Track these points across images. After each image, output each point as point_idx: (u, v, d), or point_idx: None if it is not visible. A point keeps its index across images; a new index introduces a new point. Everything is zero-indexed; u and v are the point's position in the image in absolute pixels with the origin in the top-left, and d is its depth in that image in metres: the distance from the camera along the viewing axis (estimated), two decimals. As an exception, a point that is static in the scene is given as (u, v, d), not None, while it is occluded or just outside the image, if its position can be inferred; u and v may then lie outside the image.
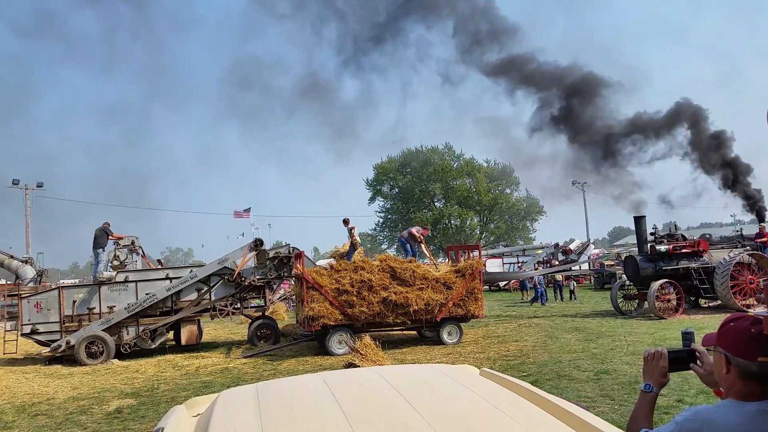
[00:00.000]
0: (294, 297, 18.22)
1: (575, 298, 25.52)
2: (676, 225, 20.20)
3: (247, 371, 11.81)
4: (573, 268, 25.76)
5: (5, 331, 15.20)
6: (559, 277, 26.05)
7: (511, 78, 25.32)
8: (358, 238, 16.07)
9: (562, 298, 25.71)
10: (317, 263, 16.85)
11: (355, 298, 13.28)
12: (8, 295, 16.01)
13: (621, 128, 23.96)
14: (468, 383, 1.92)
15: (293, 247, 15.65)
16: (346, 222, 16.33)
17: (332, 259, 16.80)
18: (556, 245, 34.62)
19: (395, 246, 54.26)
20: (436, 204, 59.27)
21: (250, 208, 50.35)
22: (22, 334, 14.47)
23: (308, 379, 2.11)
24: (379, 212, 62.07)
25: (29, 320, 14.37)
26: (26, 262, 17.26)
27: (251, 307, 16.34)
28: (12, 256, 17.41)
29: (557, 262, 29.19)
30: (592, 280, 33.64)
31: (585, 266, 32.90)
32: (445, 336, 13.90)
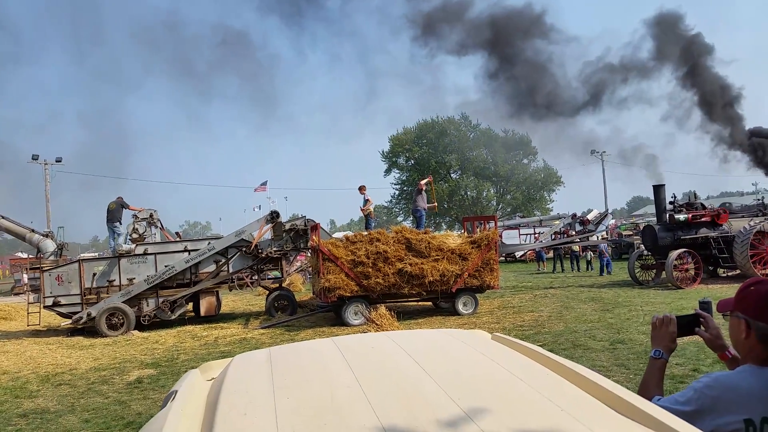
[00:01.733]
0: (310, 269, 18.34)
1: (592, 269, 25.41)
2: (695, 194, 19.90)
3: (264, 341, 11.97)
4: (591, 239, 25.51)
5: (28, 303, 15.53)
6: (576, 247, 25.91)
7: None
8: (371, 207, 16.17)
9: (579, 269, 25.61)
10: (333, 235, 16.92)
11: (370, 270, 13.34)
12: (30, 269, 16.28)
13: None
14: (480, 347, 1.90)
15: (309, 219, 15.71)
16: (361, 189, 16.38)
17: (349, 231, 16.92)
18: (574, 216, 34.32)
19: (410, 219, 54.31)
20: (452, 175, 58.90)
21: (266, 182, 50.30)
22: (45, 307, 14.79)
23: (320, 344, 2.11)
24: (395, 184, 61.91)
25: (51, 293, 14.66)
26: (47, 235, 17.48)
27: (268, 279, 16.51)
28: (33, 230, 17.65)
29: (574, 233, 28.97)
30: (610, 251, 33.45)
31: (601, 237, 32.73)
32: (460, 307, 13.93)
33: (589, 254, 27.03)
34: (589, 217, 34.37)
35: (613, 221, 42.56)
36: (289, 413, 1.41)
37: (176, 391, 1.81)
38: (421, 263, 13.44)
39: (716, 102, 21.53)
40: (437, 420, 1.31)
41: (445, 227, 57.88)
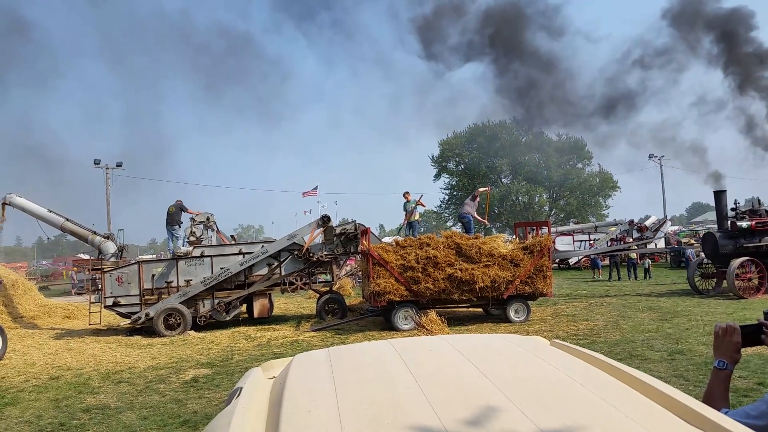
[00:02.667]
0: (360, 273, 18.46)
1: (650, 277, 24.60)
2: (759, 200, 19.01)
3: (315, 344, 12.10)
4: (648, 246, 24.72)
5: (90, 303, 16.19)
6: (633, 255, 25.14)
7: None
8: (417, 215, 16.18)
9: (636, 277, 24.85)
10: (383, 240, 16.98)
11: (420, 275, 13.31)
12: (92, 269, 16.98)
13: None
14: (539, 352, 1.87)
15: (359, 224, 15.82)
16: (405, 195, 16.41)
17: (398, 236, 16.94)
18: (631, 222, 33.34)
19: (459, 225, 53.87)
20: (503, 180, 58.22)
21: (317, 186, 51.03)
22: (105, 306, 15.38)
23: (377, 345, 2.12)
24: (445, 189, 61.59)
25: (111, 293, 15.24)
26: (108, 237, 18.21)
27: (319, 282, 16.70)
28: (95, 232, 18.42)
29: (631, 240, 28.13)
30: (668, 258, 32.29)
31: (661, 244, 31.62)
32: (512, 314, 13.73)
33: (647, 262, 26.17)
34: (647, 223, 33.34)
35: (672, 228, 41.11)
36: (352, 411, 1.43)
37: (241, 388, 1.85)
38: (472, 269, 13.32)
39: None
40: (499, 422, 1.30)
41: (495, 233, 57.31)
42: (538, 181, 56.39)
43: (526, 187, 55.57)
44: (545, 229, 15.88)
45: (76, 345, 13.59)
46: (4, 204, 18.85)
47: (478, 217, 16.70)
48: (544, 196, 58.08)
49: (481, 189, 16.98)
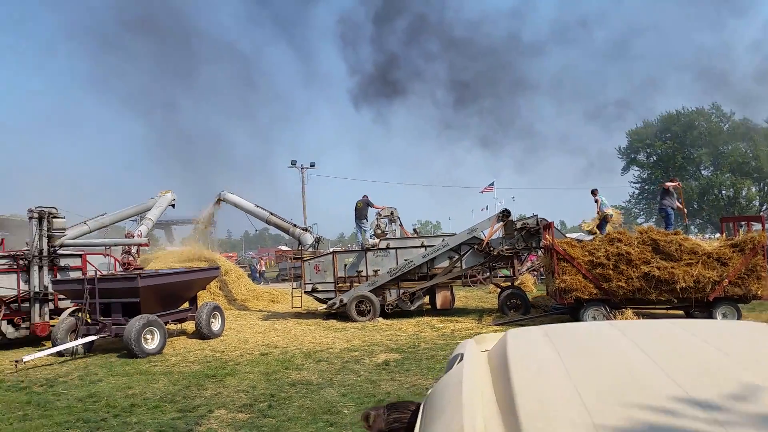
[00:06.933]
0: (542, 269, 17.96)
1: None
2: None
3: (499, 338, 12.06)
4: None
5: (292, 288, 17.82)
6: None
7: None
8: (608, 210, 15.24)
9: None
10: (566, 236, 16.34)
11: (611, 272, 12.60)
12: (294, 258, 18.65)
13: None
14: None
15: (541, 218, 15.40)
16: (594, 193, 15.55)
17: (586, 233, 16.18)
18: None
19: (653, 219, 49.73)
20: (702, 172, 52.63)
21: (493, 182, 50.51)
22: (305, 292, 16.82)
23: (598, 324, 2.09)
24: (635, 183, 57.34)
25: (310, 280, 16.61)
26: (306, 230, 19.90)
27: (499, 277, 16.59)
28: (295, 225, 20.23)
29: None
30: None
31: None
32: (719, 318, 12.40)
33: None
34: None
35: None
36: (585, 379, 1.43)
37: (462, 354, 1.95)
38: (671, 267, 12.28)
39: None
40: (760, 404, 1.23)
41: (695, 230, 51.97)
42: (745, 172, 50.02)
43: (730, 180, 49.65)
44: (758, 225, 14.08)
45: (280, 326, 15.07)
46: (219, 200, 21.49)
47: (679, 205, 15.39)
48: (753, 189, 51.38)
49: (668, 183, 15.55)
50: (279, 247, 65.43)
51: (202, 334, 13.42)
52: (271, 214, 20.58)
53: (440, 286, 15.94)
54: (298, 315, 17.26)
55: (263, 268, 40.59)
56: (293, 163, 49.03)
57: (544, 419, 1.26)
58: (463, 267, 15.75)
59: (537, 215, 15.75)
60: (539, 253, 17.57)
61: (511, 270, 16.38)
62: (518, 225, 15.56)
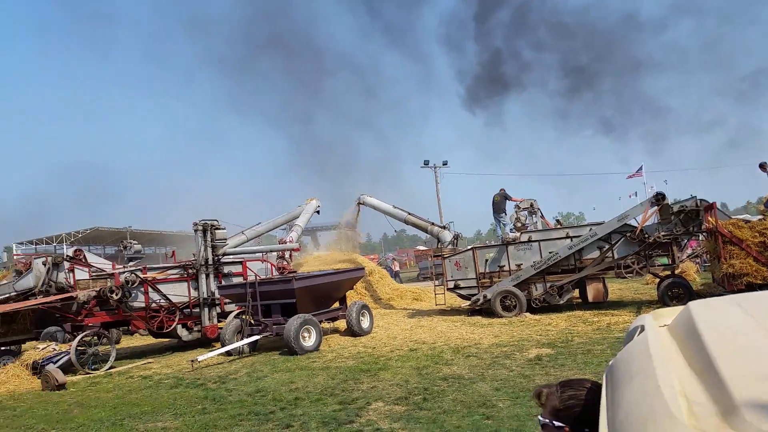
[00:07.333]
0: (707, 254, 16.46)
1: None
2: None
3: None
4: None
5: (435, 285, 17.94)
6: None
7: None
8: None
9: None
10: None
11: (788, 253, 11.25)
12: (434, 256, 18.78)
13: None
14: None
15: (701, 200, 14.11)
16: (763, 167, 13.96)
17: (760, 212, 14.61)
18: None
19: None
20: None
21: (641, 167, 47.24)
22: (448, 289, 16.85)
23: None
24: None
25: (452, 277, 16.61)
26: (444, 227, 19.95)
27: (657, 266, 15.42)
28: (433, 223, 20.37)
29: None
30: None
31: None
32: None
33: None
34: None
35: None
36: None
37: (642, 325, 1.84)
38: None
39: None
40: None
41: None
42: None
43: None
44: None
45: (426, 323, 15.23)
46: (359, 204, 22.23)
47: None
48: None
49: None
50: (417, 247, 66.26)
51: (353, 331, 13.94)
52: (409, 213, 20.90)
53: (591, 278, 15.17)
54: (442, 312, 17.34)
55: (397, 268, 41.40)
56: (426, 163, 49.49)
57: (752, 377, 1.17)
58: (615, 257, 14.87)
59: (695, 196, 14.46)
60: (701, 238, 16.13)
61: (670, 258, 15.16)
62: (675, 209, 14.38)
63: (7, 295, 13.02)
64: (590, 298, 15.20)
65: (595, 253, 15.06)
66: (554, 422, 1.72)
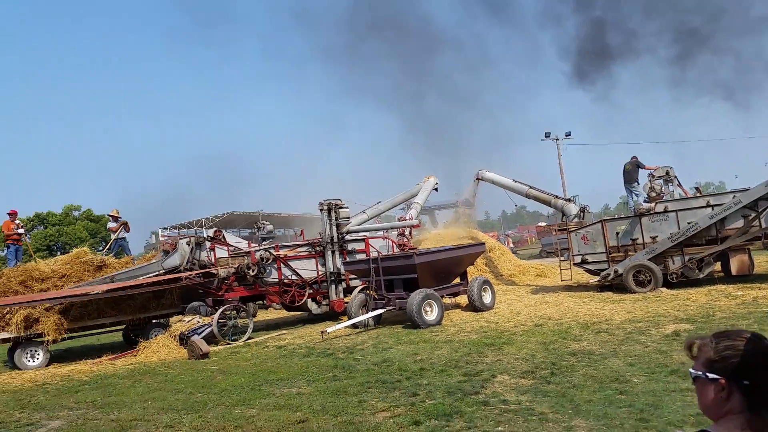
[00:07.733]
0: None
1: None
2: None
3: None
4: None
5: (560, 260, 17.35)
6: None
7: None
8: None
9: None
10: None
11: None
12: (558, 230, 18.14)
13: None
14: None
15: None
16: None
17: None
18: None
19: None
20: None
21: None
22: (575, 264, 16.21)
23: None
24: None
25: (578, 251, 15.95)
26: (569, 200, 19.19)
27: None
28: (557, 196, 19.65)
29: None
30: None
31: None
32: None
33: None
34: None
35: None
36: None
37: None
38: None
39: None
40: None
41: None
42: None
43: None
44: None
45: (551, 299, 14.80)
46: (478, 179, 21.93)
47: None
48: None
49: None
50: (539, 223, 64.40)
51: (474, 306, 13.87)
52: (530, 187, 20.30)
53: (734, 249, 13.91)
54: (568, 288, 16.73)
55: (510, 245, 40.54)
56: (547, 135, 47.72)
57: None
58: (763, 226, 13.50)
59: None
60: None
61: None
62: (838, 170, 12.77)
63: (156, 273, 14.33)
64: (734, 270, 13.95)
65: (740, 223, 13.77)
66: (708, 374, 1.60)
